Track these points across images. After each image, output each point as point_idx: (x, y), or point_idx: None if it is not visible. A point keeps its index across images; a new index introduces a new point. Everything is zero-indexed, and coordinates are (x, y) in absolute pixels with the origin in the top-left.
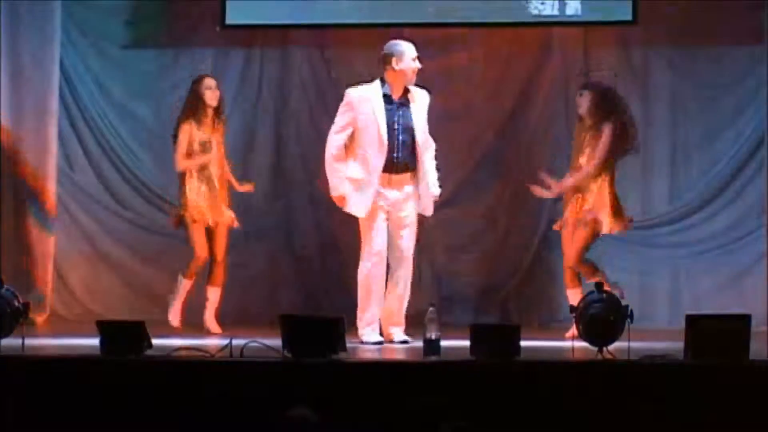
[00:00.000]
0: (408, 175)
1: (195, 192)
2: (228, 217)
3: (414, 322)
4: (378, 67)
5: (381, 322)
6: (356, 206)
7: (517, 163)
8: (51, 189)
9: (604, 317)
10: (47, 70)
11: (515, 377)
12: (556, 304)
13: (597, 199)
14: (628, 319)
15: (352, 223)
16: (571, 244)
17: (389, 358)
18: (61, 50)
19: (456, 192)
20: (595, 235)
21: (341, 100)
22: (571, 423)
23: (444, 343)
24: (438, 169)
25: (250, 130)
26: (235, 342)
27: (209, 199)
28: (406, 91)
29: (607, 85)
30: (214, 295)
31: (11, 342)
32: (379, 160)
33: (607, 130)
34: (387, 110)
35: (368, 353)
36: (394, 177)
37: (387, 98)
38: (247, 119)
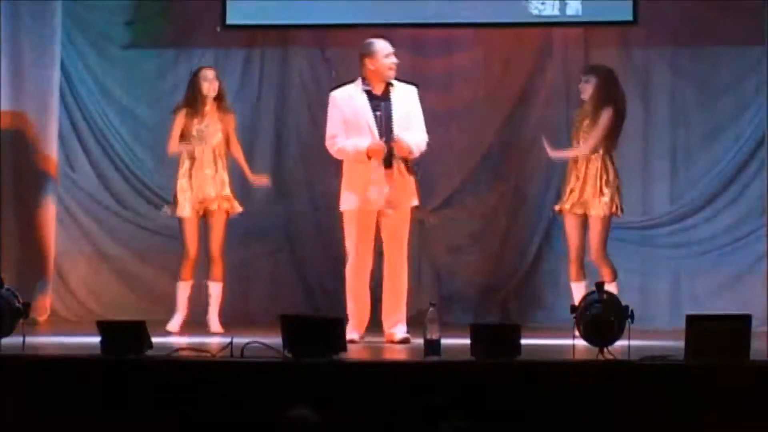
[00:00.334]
0: (395, 168)
1: (185, 181)
2: (225, 207)
3: (414, 322)
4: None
5: (382, 321)
6: (347, 201)
7: (518, 163)
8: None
9: (604, 317)
10: (48, 70)
11: (515, 377)
12: (556, 304)
13: (593, 186)
14: (629, 320)
15: None
16: (590, 239)
17: (389, 358)
18: (62, 50)
19: (456, 192)
20: (609, 219)
21: None
22: (572, 423)
23: (444, 343)
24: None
25: (251, 130)
26: (235, 342)
27: (202, 188)
28: (388, 86)
29: (609, 68)
30: (215, 290)
31: (11, 342)
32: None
33: (607, 113)
34: (371, 106)
35: (369, 353)
36: (382, 170)
37: (369, 94)
38: (248, 119)
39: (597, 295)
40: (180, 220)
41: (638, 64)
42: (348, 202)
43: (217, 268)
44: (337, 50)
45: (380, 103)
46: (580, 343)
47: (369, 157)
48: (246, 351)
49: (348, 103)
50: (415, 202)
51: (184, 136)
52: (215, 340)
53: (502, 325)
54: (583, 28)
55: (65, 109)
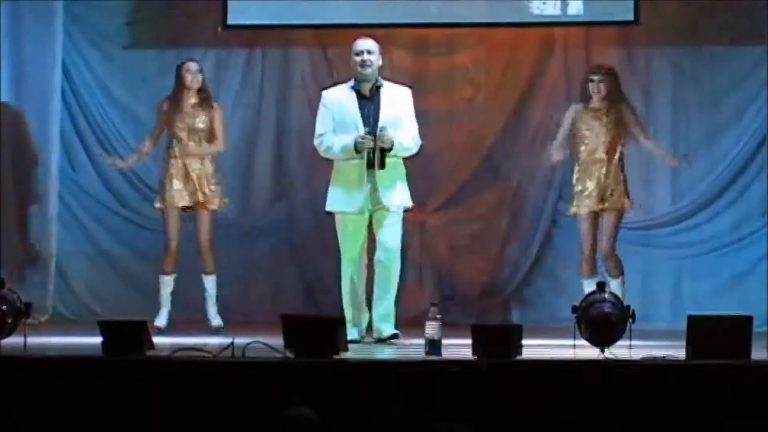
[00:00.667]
0: (386, 170)
1: (169, 173)
2: (209, 201)
3: (415, 322)
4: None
5: (372, 319)
6: (335, 203)
7: (519, 163)
8: (53, 188)
9: (605, 317)
10: (49, 69)
11: (517, 377)
12: (558, 304)
13: (615, 182)
14: (630, 320)
15: None
16: (606, 232)
17: (391, 358)
18: (63, 50)
19: (458, 192)
20: (621, 218)
21: None
22: (573, 423)
23: (445, 342)
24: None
25: (252, 130)
26: (236, 342)
27: (185, 182)
28: (378, 87)
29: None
30: (209, 284)
31: (13, 342)
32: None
33: (629, 106)
34: (360, 107)
35: (370, 353)
36: (370, 172)
37: (358, 93)
38: (249, 119)
39: (598, 295)
40: (162, 212)
41: (639, 63)
42: (333, 203)
43: (208, 261)
44: (338, 50)
45: (368, 102)
46: (582, 343)
47: (357, 151)
48: (247, 351)
49: (337, 102)
50: (408, 203)
51: (168, 128)
52: (216, 340)
53: (504, 325)
54: (585, 28)
55: (66, 108)
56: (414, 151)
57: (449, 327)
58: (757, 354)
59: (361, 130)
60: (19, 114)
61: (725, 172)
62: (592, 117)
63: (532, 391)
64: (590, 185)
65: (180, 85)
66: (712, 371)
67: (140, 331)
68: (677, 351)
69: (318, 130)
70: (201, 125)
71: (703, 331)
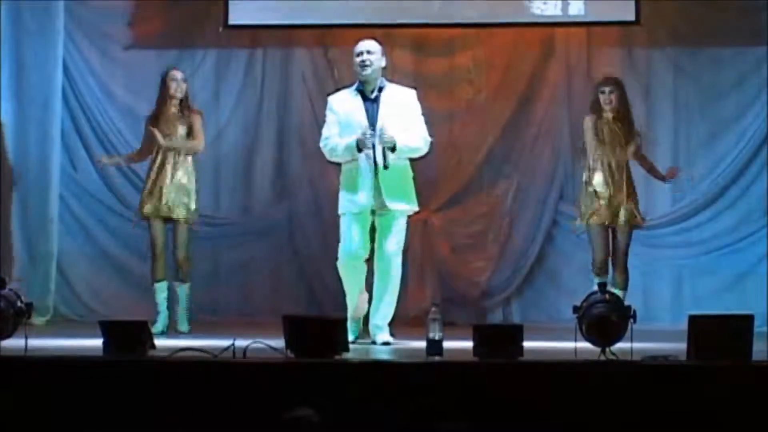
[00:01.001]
0: (388, 171)
1: (150, 183)
2: (185, 215)
3: (417, 322)
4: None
5: (369, 321)
6: (343, 205)
7: (520, 163)
8: (54, 188)
9: (606, 318)
10: (50, 70)
11: (518, 378)
12: (559, 304)
13: (628, 192)
14: (631, 320)
15: None
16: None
17: (392, 358)
18: (64, 50)
19: (459, 192)
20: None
21: None
22: (574, 423)
23: (447, 343)
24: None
25: (253, 131)
26: (237, 343)
27: (165, 193)
28: (380, 88)
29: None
30: (182, 292)
31: (14, 342)
32: (363, 158)
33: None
34: (365, 108)
35: (371, 354)
36: (378, 174)
37: (363, 96)
38: (250, 119)
39: (599, 295)
40: (146, 220)
41: (640, 64)
42: (343, 205)
43: (183, 270)
44: (339, 50)
45: (371, 104)
46: (583, 343)
47: (359, 150)
48: (248, 352)
49: (342, 105)
50: (414, 207)
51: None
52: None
53: (505, 326)
54: (586, 28)
55: (67, 108)
56: (424, 150)
57: (450, 327)
58: (758, 354)
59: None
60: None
61: (726, 173)
62: (606, 128)
63: (533, 392)
64: (603, 198)
65: (164, 93)
66: (713, 371)
67: (141, 331)
68: (678, 351)
69: (324, 133)
70: (184, 140)
71: (704, 331)
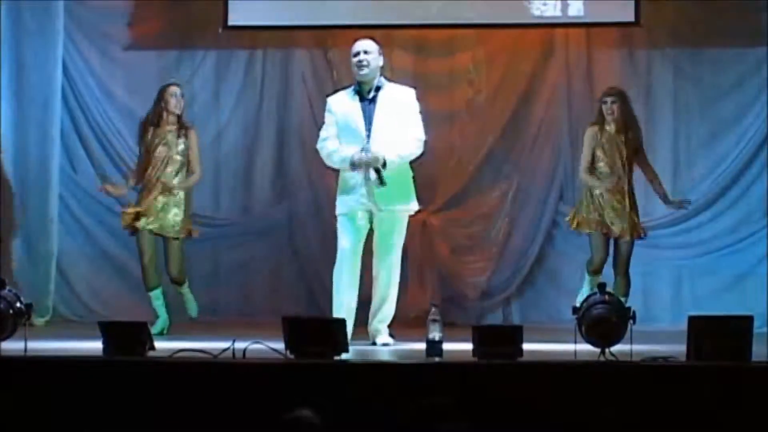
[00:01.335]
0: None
1: (142, 195)
2: (180, 228)
3: (417, 322)
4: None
5: (369, 322)
6: (340, 206)
7: (520, 163)
8: (53, 189)
9: (606, 318)
10: (50, 71)
11: (518, 378)
12: (558, 305)
13: (630, 203)
14: (631, 321)
15: None
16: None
17: (391, 359)
18: (64, 51)
19: (459, 192)
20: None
21: None
22: (574, 424)
23: (446, 344)
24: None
25: (253, 131)
26: (237, 343)
27: (157, 208)
28: (378, 88)
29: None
30: (184, 289)
31: (13, 343)
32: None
33: (640, 131)
34: (362, 109)
35: (371, 355)
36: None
37: (360, 96)
38: (250, 120)
39: (599, 296)
40: (134, 232)
41: (640, 65)
42: (340, 206)
43: (178, 281)
44: (339, 51)
45: (368, 105)
46: (582, 344)
47: (353, 167)
48: (248, 352)
49: (340, 107)
50: (411, 207)
51: (146, 153)
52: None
53: (504, 326)
54: (585, 29)
55: (67, 109)
56: (418, 153)
57: (450, 328)
58: (758, 355)
59: (362, 134)
60: (21, 115)
61: (726, 173)
62: (608, 138)
63: (533, 392)
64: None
65: (162, 108)
66: (713, 372)
67: (141, 331)
68: (678, 352)
69: (321, 134)
70: (179, 156)
71: (704, 332)
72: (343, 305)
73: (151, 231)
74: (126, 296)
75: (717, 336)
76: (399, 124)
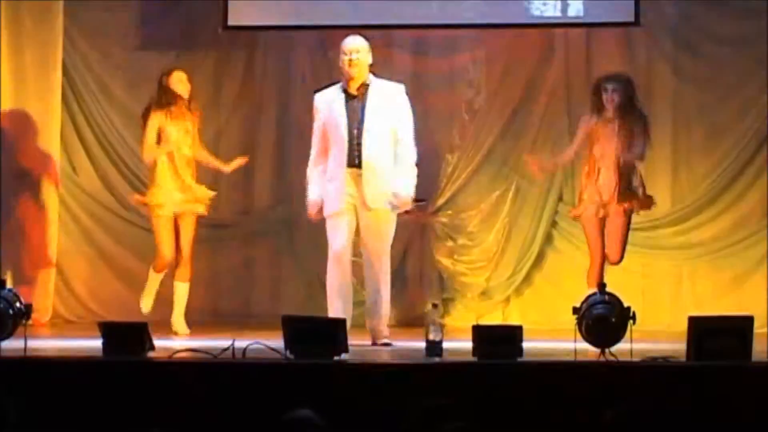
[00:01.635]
0: (371, 170)
1: (158, 183)
2: (194, 209)
3: (416, 323)
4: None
5: (366, 322)
6: (325, 207)
7: (519, 164)
8: (53, 190)
9: (606, 318)
10: (49, 71)
11: (517, 378)
12: (558, 305)
13: (625, 186)
14: (631, 321)
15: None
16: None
17: (391, 359)
18: (64, 52)
19: (458, 193)
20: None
21: None
22: (574, 424)
23: (446, 344)
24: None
25: (252, 132)
26: (237, 344)
27: (178, 188)
28: (365, 85)
29: (628, 76)
30: (182, 291)
31: (13, 343)
32: (341, 157)
33: (645, 118)
34: (347, 106)
35: (370, 355)
36: (357, 171)
37: (346, 93)
38: (249, 121)
39: (599, 296)
40: (153, 222)
41: (640, 65)
42: (326, 207)
43: (186, 269)
44: (338, 51)
45: (355, 105)
46: (582, 344)
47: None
48: (248, 352)
49: (327, 106)
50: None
51: (160, 140)
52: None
53: (504, 326)
54: (585, 29)
55: (67, 110)
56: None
57: (450, 328)
58: (758, 355)
59: (344, 132)
60: (21, 116)
61: (725, 174)
62: (605, 127)
63: (532, 392)
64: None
65: (170, 94)
66: (713, 372)
67: (140, 332)
68: (678, 352)
69: (312, 147)
70: (189, 138)
71: (704, 333)
72: (339, 310)
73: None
74: (126, 297)
75: (717, 336)
76: (389, 125)
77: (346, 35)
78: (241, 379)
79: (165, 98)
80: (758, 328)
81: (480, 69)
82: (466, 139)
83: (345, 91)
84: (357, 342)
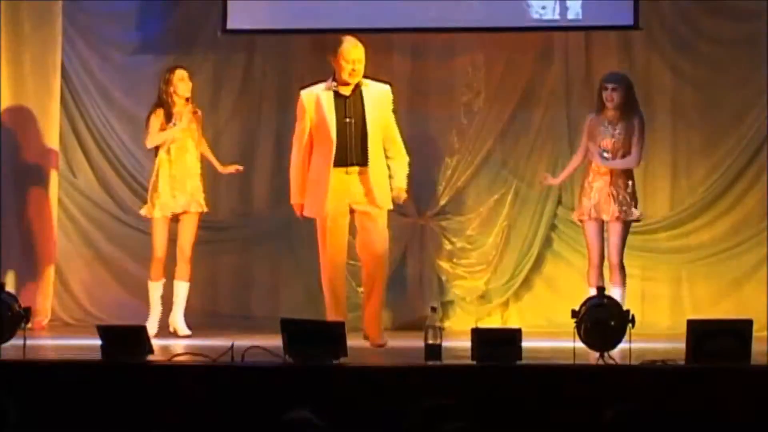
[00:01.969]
0: (364, 169)
1: (158, 181)
2: (196, 208)
3: (415, 326)
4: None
5: (364, 324)
6: (310, 208)
7: (519, 167)
8: (53, 193)
9: (605, 322)
10: (48, 74)
11: (516, 381)
12: (557, 308)
13: (623, 188)
14: (629, 324)
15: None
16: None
17: (390, 362)
18: (63, 55)
19: (457, 196)
20: (628, 228)
21: None
22: (573, 427)
23: (445, 347)
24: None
25: (252, 135)
26: (236, 346)
27: (174, 190)
28: (359, 85)
29: (627, 76)
30: (182, 290)
31: (12, 346)
32: (330, 157)
33: (641, 120)
34: (336, 105)
35: (370, 358)
36: (350, 170)
37: (336, 93)
38: (249, 124)
39: (598, 299)
40: (150, 220)
41: (639, 68)
42: (310, 208)
43: (186, 268)
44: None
45: (350, 106)
46: (581, 347)
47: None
48: (246, 355)
49: (315, 106)
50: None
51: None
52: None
53: (503, 329)
54: (584, 32)
55: (66, 113)
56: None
57: (449, 331)
58: (757, 359)
59: (333, 131)
60: (20, 119)
61: (724, 177)
62: (605, 126)
63: (531, 396)
64: (597, 195)
65: (171, 93)
66: (712, 376)
67: (139, 335)
68: (677, 355)
69: (295, 140)
70: (190, 137)
71: (703, 336)
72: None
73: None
74: (125, 300)
75: (716, 339)
76: (382, 124)
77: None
78: (239, 382)
79: (165, 97)
80: (758, 331)
81: (479, 72)
82: (465, 142)
83: (335, 92)
84: (356, 345)
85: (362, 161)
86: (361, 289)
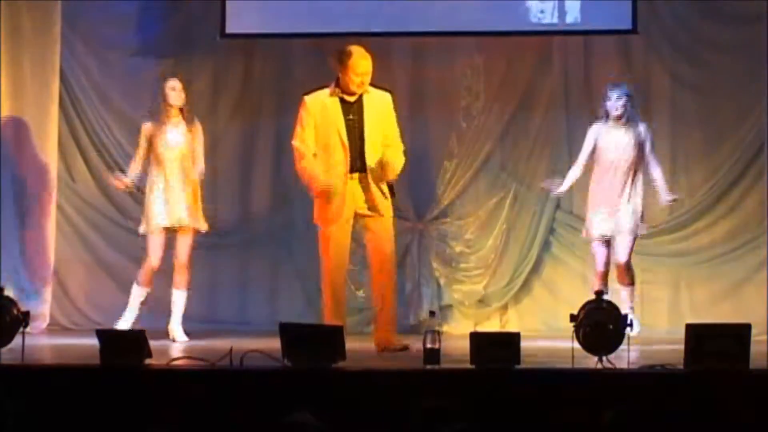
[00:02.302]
0: (364, 176)
1: (152, 196)
2: (193, 221)
3: (414, 330)
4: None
5: (374, 329)
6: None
7: (518, 170)
8: (51, 197)
9: (604, 325)
10: (47, 78)
11: (515, 385)
12: (556, 312)
13: (632, 205)
14: (628, 328)
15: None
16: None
17: (389, 366)
18: (62, 59)
19: (456, 200)
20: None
21: None
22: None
23: (444, 350)
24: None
25: (251, 139)
26: (235, 350)
27: (170, 204)
28: (363, 92)
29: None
30: (180, 298)
31: (11, 350)
32: (341, 163)
33: (646, 127)
34: (343, 113)
35: (368, 362)
36: (356, 177)
37: (341, 101)
38: (247, 128)
39: (596, 303)
40: (147, 233)
41: (637, 72)
42: (320, 215)
43: (183, 277)
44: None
45: (351, 108)
46: (580, 351)
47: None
48: (245, 359)
49: (320, 110)
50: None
51: (151, 148)
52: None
53: (502, 333)
54: (583, 37)
55: (65, 117)
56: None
57: (448, 335)
58: (756, 362)
59: (344, 136)
60: (19, 123)
61: (723, 181)
62: (612, 135)
63: (530, 399)
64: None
65: (162, 102)
66: (711, 379)
67: (138, 339)
68: (676, 359)
69: (297, 136)
70: (184, 145)
71: (702, 339)
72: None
73: (165, 226)
74: (124, 304)
75: (715, 343)
76: (382, 131)
77: (344, 42)
78: (238, 386)
79: (157, 107)
80: (757, 335)
81: (478, 76)
82: (464, 146)
83: (340, 99)
84: (354, 348)
85: (361, 168)
86: (360, 293)
